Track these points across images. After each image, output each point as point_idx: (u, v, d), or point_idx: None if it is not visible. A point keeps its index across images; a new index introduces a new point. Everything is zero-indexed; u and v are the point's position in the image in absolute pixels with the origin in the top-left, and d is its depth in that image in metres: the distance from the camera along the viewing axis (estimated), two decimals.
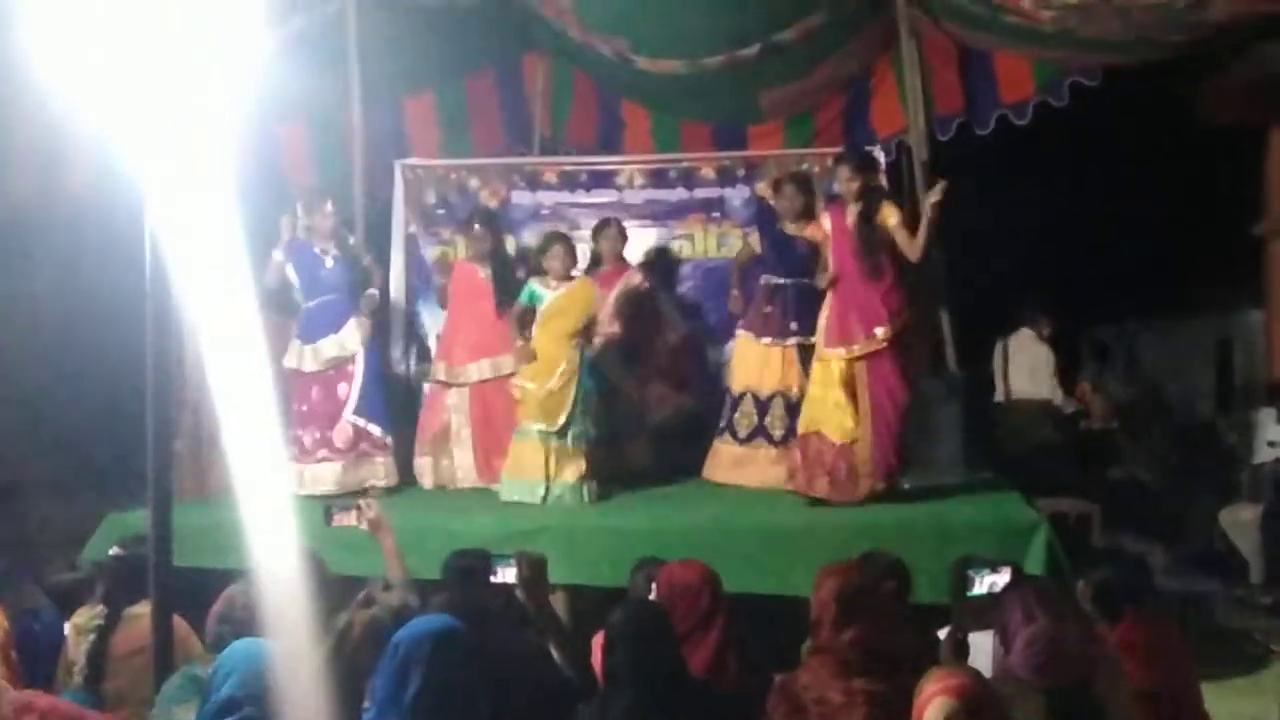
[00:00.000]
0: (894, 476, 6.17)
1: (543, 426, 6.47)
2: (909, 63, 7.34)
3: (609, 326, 7.09)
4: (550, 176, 7.84)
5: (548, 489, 6.44)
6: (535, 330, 6.67)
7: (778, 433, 6.82)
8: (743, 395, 6.94)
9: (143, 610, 4.16)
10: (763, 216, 7.19)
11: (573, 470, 6.49)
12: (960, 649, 3.57)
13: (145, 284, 3.62)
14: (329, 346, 6.86)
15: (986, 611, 3.61)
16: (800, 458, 6.22)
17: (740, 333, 7.03)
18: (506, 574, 3.77)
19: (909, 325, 6.24)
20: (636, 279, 7.25)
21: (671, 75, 7.41)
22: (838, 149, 7.19)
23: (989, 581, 3.67)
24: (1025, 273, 9.31)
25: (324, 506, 4.38)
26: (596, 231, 7.33)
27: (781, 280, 6.87)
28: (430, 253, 7.83)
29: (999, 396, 8.64)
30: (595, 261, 7.33)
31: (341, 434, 6.83)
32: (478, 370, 7.08)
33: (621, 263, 7.32)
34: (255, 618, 3.46)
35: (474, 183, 7.84)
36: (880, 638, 3.31)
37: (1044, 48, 7.10)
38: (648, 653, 3.29)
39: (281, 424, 6.36)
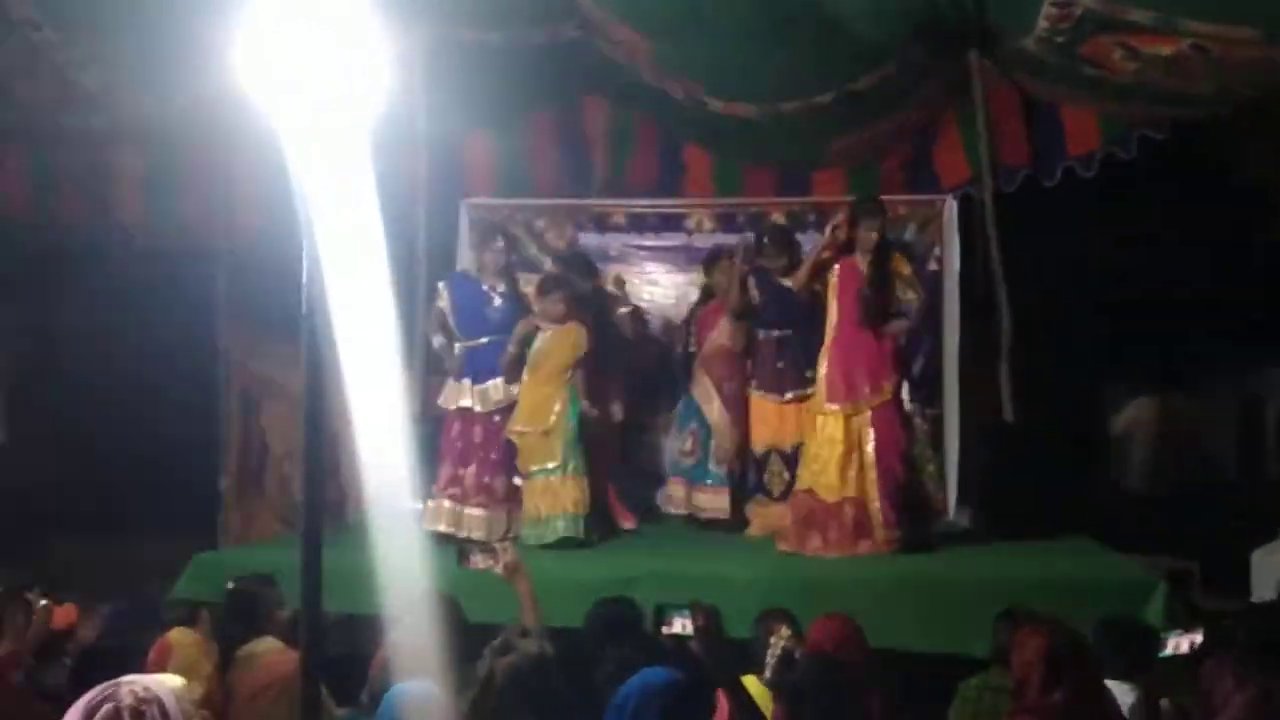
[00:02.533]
0: (906, 524, 6.18)
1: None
2: (981, 113, 7.33)
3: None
4: (618, 218, 7.79)
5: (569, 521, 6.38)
6: (525, 373, 6.62)
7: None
8: (767, 454, 6.90)
9: (256, 649, 4.07)
10: (761, 271, 7.18)
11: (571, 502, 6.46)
12: (1155, 714, 3.48)
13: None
14: (496, 390, 6.68)
15: (1177, 675, 3.54)
16: (791, 515, 6.26)
17: (754, 393, 6.99)
18: (679, 624, 3.65)
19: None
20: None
21: (744, 119, 7.35)
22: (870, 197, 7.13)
23: (1179, 643, 3.59)
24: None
25: (457, 549, 4.26)
26: (709, 265, 7.30)
27: (786, 332, 6.90)
28: None
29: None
30: (707, 295, 7.28)
31: (500, 483, 6.66)
32: None
33: None
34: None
35: (540, 223, 7.73)
36: (1088, 698, 3.22)
37: (1114, 101, 7.10)
38: (840, 704, 3.21)
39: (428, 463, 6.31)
